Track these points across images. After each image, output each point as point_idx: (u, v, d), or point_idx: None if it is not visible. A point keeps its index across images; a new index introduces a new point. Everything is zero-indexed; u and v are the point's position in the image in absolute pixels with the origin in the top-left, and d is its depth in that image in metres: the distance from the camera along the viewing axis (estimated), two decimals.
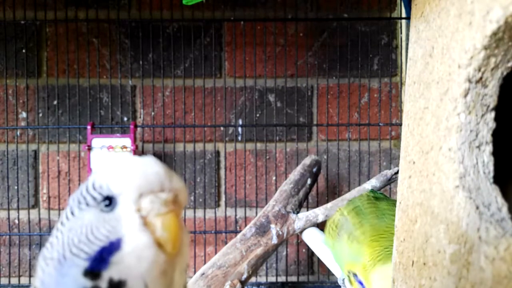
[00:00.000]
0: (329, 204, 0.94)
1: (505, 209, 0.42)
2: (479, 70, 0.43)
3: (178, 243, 0.34)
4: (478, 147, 0.45)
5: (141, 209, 0.35)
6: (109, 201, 0.35)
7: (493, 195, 0.43)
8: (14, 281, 1.11)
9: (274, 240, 0.90)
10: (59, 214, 1.12)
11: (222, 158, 1.13)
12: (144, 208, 0.34)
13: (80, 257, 0.34)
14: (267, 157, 1.12)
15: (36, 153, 1.12)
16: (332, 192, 1.12)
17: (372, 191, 0.87)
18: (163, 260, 0.34)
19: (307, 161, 0.99)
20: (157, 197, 0.35)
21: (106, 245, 0.34)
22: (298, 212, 0.94)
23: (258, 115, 1.12)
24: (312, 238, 0.90)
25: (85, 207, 0.35)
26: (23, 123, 1.12)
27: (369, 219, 0.71)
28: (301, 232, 0.93)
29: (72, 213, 0.36)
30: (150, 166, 0.36)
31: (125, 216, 0.35)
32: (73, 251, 0.34)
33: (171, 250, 0.34)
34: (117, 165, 0.36)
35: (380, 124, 1.11)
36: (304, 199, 0.96)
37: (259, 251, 0.89)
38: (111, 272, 0.33)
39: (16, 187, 1.11)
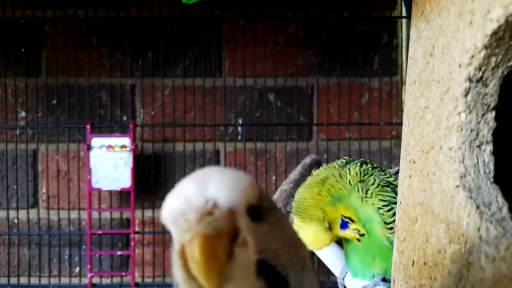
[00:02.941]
0: None
1: (505, 208, 0.42)
2: (480, 69, 0.43)
3: (213, 278, 0.27)
4: (479, 146, 0.44)
5: (180, 240, 0.29)
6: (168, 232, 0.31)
7: (494, 194, 0.43)
8: (13, 280, 1.11)
9: None
10: (58, 214, 1.12)
11: (222, 158, 1.13)
12: (180, 238, 0.29)
13: None
14: (267, 156, 1.12)
15: (35, 152, 1.12)
16: None
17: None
18: None
19: (307, 160, 0.99)
20: (185, 220, 0.29)
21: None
22: None
23: (258, 114, 1.12)
24: None
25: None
26: (22, 123, 1.11)
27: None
28: None
29: None
30: (184, 182, 0.30)
31: (175, 250, 0.30)
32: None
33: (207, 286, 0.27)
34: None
35: (381, 123, 1.11)
36: None
37: None
38: None
39: (15, 187, 1.11)
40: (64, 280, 1.12)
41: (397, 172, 0.94)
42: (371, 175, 0.71)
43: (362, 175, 0.72)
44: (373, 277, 0.72)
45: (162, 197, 1.10)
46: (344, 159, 0.78)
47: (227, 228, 0.28)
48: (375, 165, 0.76)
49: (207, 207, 0.28)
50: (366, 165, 0.74)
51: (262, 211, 0.31)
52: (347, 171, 0.72)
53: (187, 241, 0.28)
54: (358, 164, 0.74)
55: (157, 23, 1.10)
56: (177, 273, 0.29)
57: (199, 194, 0.29)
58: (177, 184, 0.31)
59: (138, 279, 1.11)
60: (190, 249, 0.27)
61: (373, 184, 0.70)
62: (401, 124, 1.06)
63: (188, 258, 0.28)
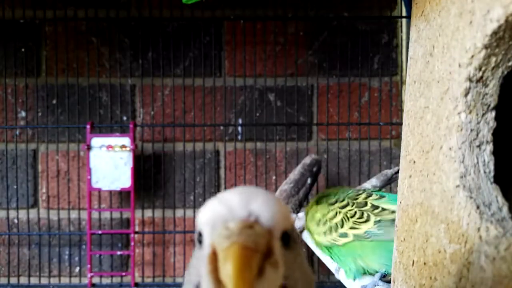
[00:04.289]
0: None
1: (505, 208, 0.42)
2: (480, 69, 0.43)
3: None
4: (479, 146, 0.44)
5: (214, 244, 0.29)
6: (200, 236, 0.31)
7: (494, 194, 0.43)
8: (13, 280, 1.11)
9: None
10: (58, 214, 1.12)
11: (222, 158, 1.13)
12: (216, 243, 0.29)
13: None
14: (267, 156, 1.12)
15: (35, 152, 1.12)
16: None
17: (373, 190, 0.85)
18: None
19: (307, 160, 0.99)
20: (225, 227, 0.29)
21: None
22: (298, 212, 0.93)
23: (258, 114, 1.12)
24: None
25: (196, 241, 0.33)
26: (22, 123, 1.11)
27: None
28: (301, 232, 0.92)
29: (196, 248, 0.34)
30: (228, 193, 0.31)
31: (205, 253, 0.30)
32: None
33: None
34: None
35: (381, 123, 1.11)
36: (304, 199, 0.96)
37: None
38: None
39: (15, 187, 1.11)
40: (64, 280, 1.12)
41: (397, 172, 0.94)
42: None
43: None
44: (373, 276, 0.72)
45: (162, 197, 1.10)
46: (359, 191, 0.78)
47: (263, 245, 0.29)
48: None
49: (250, 220, 0.29)
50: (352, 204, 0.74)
51: (291, 240, 0.32)
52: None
53: (223, 247, 0.28)
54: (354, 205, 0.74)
55: (157, 23, 1.10)
56: (202, 276, 0.30)
57: (244, 206, 0.30)
58: (216, 197, 0.32)
59: (138, 279, 1.11)
60: (225, 255, 0.28)
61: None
62: (401, 124, 1.06)
63: (221, 264, 0.28)
